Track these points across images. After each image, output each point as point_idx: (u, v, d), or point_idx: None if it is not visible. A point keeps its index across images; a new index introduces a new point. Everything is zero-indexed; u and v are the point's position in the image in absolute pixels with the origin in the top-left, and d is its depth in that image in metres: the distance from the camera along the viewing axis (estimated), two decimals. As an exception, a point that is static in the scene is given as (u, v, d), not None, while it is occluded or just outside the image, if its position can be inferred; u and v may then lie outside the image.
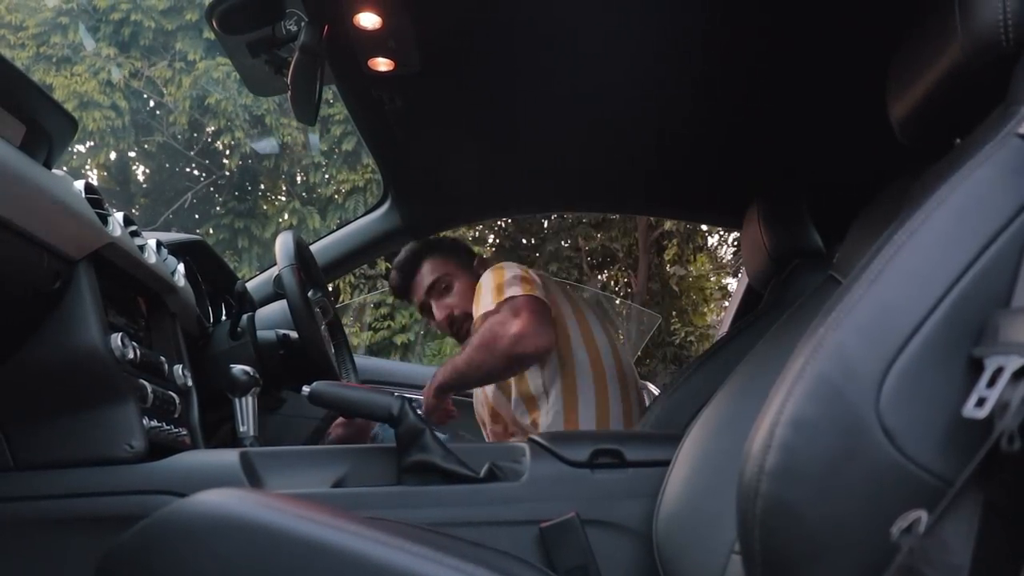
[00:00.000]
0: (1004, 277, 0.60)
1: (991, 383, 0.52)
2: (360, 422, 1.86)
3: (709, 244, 9.27)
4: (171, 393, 1.30)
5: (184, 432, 1.31)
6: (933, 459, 0.57)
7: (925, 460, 0.57)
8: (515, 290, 1.74)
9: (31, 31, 8.62)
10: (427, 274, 2.12)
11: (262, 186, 10.12)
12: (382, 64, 1.51)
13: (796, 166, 1.90)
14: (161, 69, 8.73)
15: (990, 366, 0.53)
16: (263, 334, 1.74)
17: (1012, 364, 0.52)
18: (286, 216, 9.28)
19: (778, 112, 1.71)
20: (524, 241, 9.62)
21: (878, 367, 0.59)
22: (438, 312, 2.09)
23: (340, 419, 1.92)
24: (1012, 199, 0.62)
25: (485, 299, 1.80)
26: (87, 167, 9.42)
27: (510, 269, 1.86)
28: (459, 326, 2.07)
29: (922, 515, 0.51)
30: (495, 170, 2.06)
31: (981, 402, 0.52)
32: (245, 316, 1.72)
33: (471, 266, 2.12)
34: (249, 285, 2.05)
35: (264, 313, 1.90)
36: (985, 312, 0.59)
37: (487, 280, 1.85)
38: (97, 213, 1.18)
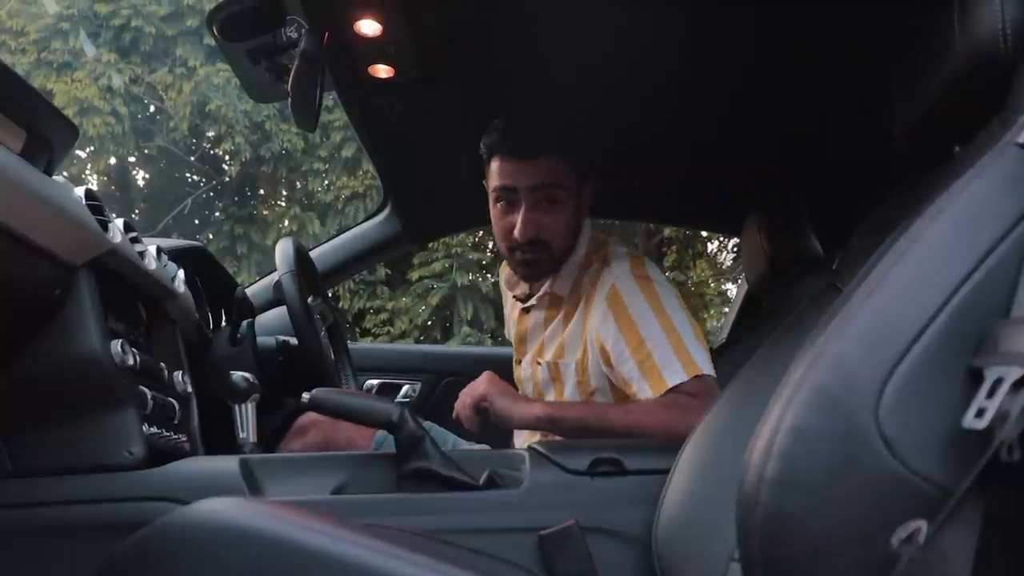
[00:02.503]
0: (1004, 287, 0.60)
1: (991, 393, 0.52)
2: (326, 432, 1.63)
3: (709, 250, 9.26)
4: (171, 399, 1.29)
5: (184, 438, 1.30)
6: (933, 469, 0.56)
7: (925, 470, 0.57)
8: (702, 359, 1.40)
9: (32, 37, 8.62)
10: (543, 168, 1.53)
11: (262, 192, 10.13)
12: (382, 71, 1.51)
13: (796, 173, 1.90)
14: (162, 75, 8.73)
15: (990, 376, 0.53)
16: (263, 340, 1.74)
17: (1012, 375, 0.52)
18: (286, 222, 9.27)
19: (777, 119, 1.71)
20: (524, 247, 9.61)
21: (878, 376, 0.59)
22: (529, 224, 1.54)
23: (305, 423, 1.66)
24: (1012, 208, 0.62)
25: (646, 326, 1.42)
26: (87, 173, 9.43)
27: (667, 292, 1.48)
28: (530, 250, 1.56)
29: (922, 525, 0.51)
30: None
31: (981, 412, 0.52)
32: (245, 322, 1.72)
33: (584, 198, 1.60)
34: (249, 291, 2.05)
35: (264, 319, 1.90)
36: (985, 322, 0.59)
37: (641, 293, 1.46)
38: (98, 220, 1.18)
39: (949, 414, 0.56)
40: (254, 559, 0.77)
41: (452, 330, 8.62)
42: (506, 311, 1.83)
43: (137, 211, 10.01)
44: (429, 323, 8.92)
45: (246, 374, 1.48)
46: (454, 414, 1.52)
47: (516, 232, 1.53)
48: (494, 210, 1.58)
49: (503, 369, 2.51)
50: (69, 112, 7.47)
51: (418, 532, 1.03)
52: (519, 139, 1.53)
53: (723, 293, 9.43)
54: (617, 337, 1.43)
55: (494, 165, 1.55)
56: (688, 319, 1.46)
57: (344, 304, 8.30)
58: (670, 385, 1.36)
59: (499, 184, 1.54)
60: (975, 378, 0.56)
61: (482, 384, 1.48)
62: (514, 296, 1.73)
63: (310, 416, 1.62)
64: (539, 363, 1.63)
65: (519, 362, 1.73)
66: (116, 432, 1.14)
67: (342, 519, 0.89)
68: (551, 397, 1.60)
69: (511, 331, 1.78)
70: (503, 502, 1.14)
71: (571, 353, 1.55)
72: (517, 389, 1.66)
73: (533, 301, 1.65)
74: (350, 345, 2.01)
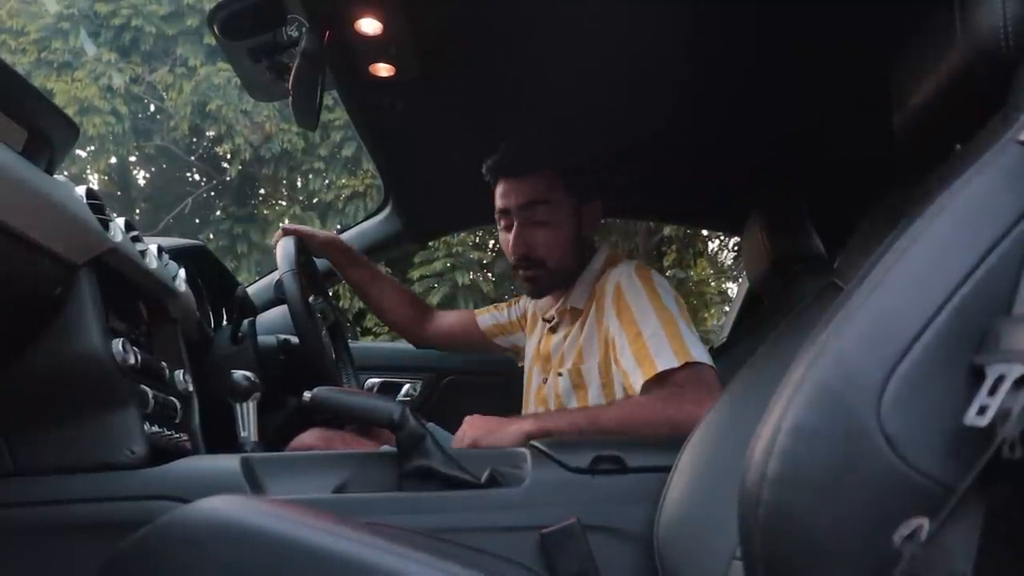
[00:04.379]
0: (1005, 284, 0.60)
1: (992, 391, 0.52)
2: (326, 439, 1.61)
3: (709, 249, 9.26)
4: (172, 398, 1.30)
5: (185, 437, 1.31)
6: (935, 466, 0.56)
7: (927, 467, 0.57)
8: (699, 350, 1.39)
9: (32, 36, 8.63)
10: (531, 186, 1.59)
11: (262, 191, 10.14)
12: (383, 69, 1.51)
13: (797, 171, 1.90)
14: (162, 74, 8.74)
15: (991, 374, 0.53)
16: (264, 339, 1.74)
17: (1013, 372, 0.52)
18: (286, 221, 9.29)
19: (778, 117, 1.71)
20: (524, 246, 9.62)
21: (879, 374, 0.59)
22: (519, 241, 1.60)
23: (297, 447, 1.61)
24: (1013, 206, 0.62)
25: (644, 318, 1.43)
26: (88, 172, 9.43)
27: (667, 293, 1.50)
28: (527, 267, 1.62)
29: (924, 522, 0.51)
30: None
31: (983, 410, 0.52)
32: (246, 321, 1.72)
33: (586, 216, 1.65)
34: (250, 290, 2.06)
35: (265, 318, 1.90)
36: (986, 319, 0.58)
37: (642, 290, 1.48)
38: (98, 219, 1.19)
39: (951, 411, 0.56)
40: (256, 558, 0.77)
41: (453, 329, 8.60)
42: (529, 343, 1.84)
43: (138, 210, 10.02)
44: (430, 322, 8.90)
45: (247, 373, 1.48)
46: None
47: (509, 250, 1.61)
48: (500, 234, 1.67)
49: (502, 370, 2.51)
50: (70, 111, 7.48)
51: (419, 531, 1.04)
52: (510, 159, 1.62)
53: (724, 292, 9.42)
54: (619, 330, 1.46)
55: (496, 190, 1.65)
56: (685, 316, 1.46)
57: (345, 303, 8.28)
58: (659, 370, 1.36)
59: (497, 207, 1.64)
60: (977, 375, 0.56)
61: (467, 433, 1.36)
62: (543, 319, 1.76)
63: (302, 441, 1.62)
64: (560, 374, 1.63)
65: (545, 381, 1.72)
66: (117, 431, 1.14)
67: (343, 517, 0.89)
68: (574, 405, 1.59)
69: (529, 356, 1.81)
70: (504, 500, 1.14)
71: (591, 356, 1.57)
72: (522, 408, 1.72)
73: (554, 316, 1.68)
74: (351, 344, 2.01)
